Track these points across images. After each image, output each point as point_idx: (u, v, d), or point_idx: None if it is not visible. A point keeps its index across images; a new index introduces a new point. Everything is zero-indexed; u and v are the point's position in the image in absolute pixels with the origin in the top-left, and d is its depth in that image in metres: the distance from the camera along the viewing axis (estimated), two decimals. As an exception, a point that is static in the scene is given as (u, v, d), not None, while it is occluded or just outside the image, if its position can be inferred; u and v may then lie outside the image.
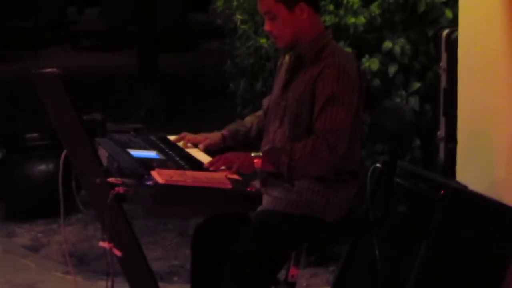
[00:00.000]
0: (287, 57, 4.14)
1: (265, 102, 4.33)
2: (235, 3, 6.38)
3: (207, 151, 4.14)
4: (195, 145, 4.19)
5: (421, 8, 5.30)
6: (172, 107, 11.17)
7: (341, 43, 4.94)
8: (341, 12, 5.47)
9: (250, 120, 4.39)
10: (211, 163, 3.77)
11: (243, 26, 6.22)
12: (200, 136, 4.26)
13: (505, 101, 4.22)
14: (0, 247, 6.48)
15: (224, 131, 4.29)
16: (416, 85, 5.39)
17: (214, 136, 4.25)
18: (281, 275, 4.03)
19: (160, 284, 3.87)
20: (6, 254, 6.32)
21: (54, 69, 3.61)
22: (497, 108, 4.29)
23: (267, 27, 4.01)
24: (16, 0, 22.45)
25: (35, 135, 7.04)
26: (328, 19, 4.96)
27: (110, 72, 14.63)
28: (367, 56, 5.37)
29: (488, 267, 4.20)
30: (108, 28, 20.29)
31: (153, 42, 13.16)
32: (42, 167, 6.84)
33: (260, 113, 4.37)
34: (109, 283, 3.75)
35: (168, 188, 3.52)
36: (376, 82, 5.32)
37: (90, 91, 9.60)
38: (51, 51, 18.82)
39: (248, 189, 3.75)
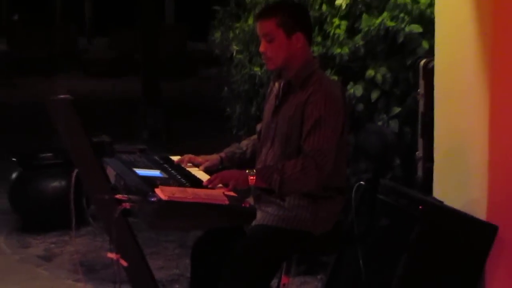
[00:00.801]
0: (276, 84, 4.22)
1: (259, 126, 4.40)
2: (231, 35, 6.45)
3: (206, 171, 4.20)
4: (196, 165, 4.25)
5: (401, 39, 5.33)
6: (173, 129, 11.16)
7: (328, 71, 4.99)
8: (328, 43, 5.54)
9: (245, 143, 4.46)
10: (209, 181, 3.83)
11: (238, 56, 6.28)
12: (200, 158, 4.33)
13: (477, 124, 4.21)
14: (16, 256, 6.55)
15: (222, 154, 4.37)
16: (396, 109, 5.39)
17: (213, 158, 4.33)
18: (274, 283, 4.08)
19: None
20: (21, 263, 6.38)
21: (67, 96, 3.65)
22: (470, 131, 4.30)
23: (262, 48, 4.08)
24: (33, 31, 22.54)
25: (49, 154, 7.09)
26: (316, 49, 4.99)
27: (117, 97, 14.61)
28: (351, 83, 5.40)
29: (463, 276, 4.20)
30: (115, 56, 20.26)
31: (156, 69, 13.16)
32: (55, 184, 6.90)
33: (254, 137, 4.44)
34: (114, 291, 3.84)
35: (170, 204, 3.56)
36: (360, 106, 5.36)
37: (99, 113, 9.65)
38: (64, 77, 18.76)
39: (243, 205, 3.79)
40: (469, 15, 4.29)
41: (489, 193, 4.23)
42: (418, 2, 5.40)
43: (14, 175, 7.27)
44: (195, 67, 19.70)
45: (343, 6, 5.63)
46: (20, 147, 7.48)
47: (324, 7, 5.70)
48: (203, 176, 4.05)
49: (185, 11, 24.92)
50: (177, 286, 5.56)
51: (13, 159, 7.35)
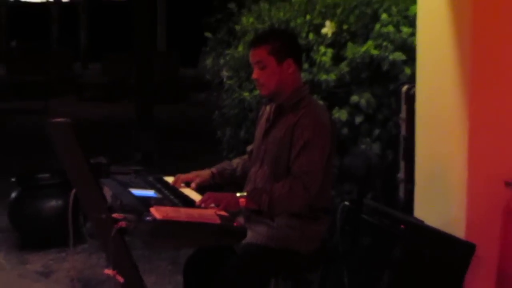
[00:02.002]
0: (268, 108, 4.25)
1: (250, 147, 4.42)
2: (222, 61, 6.48)
3: (198, 187, 4.20)
4: (188, 184, 4.24)
5: (385, 66, 5.37)
6: (165, 151, 11.17)
7: (315, 96, 5.03)
8: (315, 69, 5.57)
9: (236, 161, 4.48)
10: (202, 201, 3.82)
11: (229, 81, 6.29)
12: (191, 174, 4.33)
13: (456, 148, 4.24)
14: (15, 272, 6.52)
15: (213, 169, 4.38)
16: (378, 132, 5.44)
17: (205, 174, 4.33)
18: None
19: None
20: (20, 278, 6.35)
21: (67, 119, 3.67)
22: (449, 154, 4.33)
23: (255, 75, 4.10)
24: (30, 57, 22.57)
25: (47, 175, 7.09)
26: (303, 76, 5.00)
27: (111, 120, 14.62)
28: (337, 108, 5.42)
29: (442, 289, 4.25)
30: (109, 81, 20.29)
31: (149, 94, 13.20)
32: (53, 203, 6.88)
33: (246, 156, 4.45)
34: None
35: (165, 223, 3.54)
36: (345, 130, 5.37)
37: (93, 136, 9.67)
38: (60, 101, 18.80)
39: (235, 224, 3.76)
40: (449, 44, 4.32)
41: (467, 213, 4.25)
42: (401, 31, 5.42)
43: (13, 195, 7.25)
44: (185, 92, 19.73)
45: (329, 35, 5.67)
46: (19, 168, 7.47)
47: (311, 35, 5.73)
48: (196, 197, 4.04)
49: (177, 38, 24.96)
50: None
51: (12, 179, 7.34)
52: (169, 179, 4.34)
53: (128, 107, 15.52)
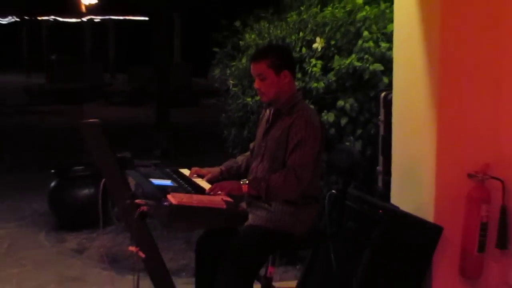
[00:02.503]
0: (267, 111, 4.22)
1: (251, 145, 4.39)
2: (228, 72, 6.46)
3: (209, 181, 4.16)
4: (200, 176, 4.22)
5: (366, 76, 5.34)
6: (180, 147, 11.18)
7: (307, 101, 5.00)
8: (307, 79, 5.53)
9: (240, 158, 4.45)
10: (211, 189, 3.83)
11: (234, 89, 6.25)
12: (204, 170, 4.31)
13: (426, 146, 4.25)
14: (54, 249, 6.54)
15: (222, 167, 4.36)
16: (360, 132, 5.42)
17: (215, 170, 4.31)
18: (262, 271, 4.04)
19: (172, 277, 3.93)
20: (58, 255, 6.37)
21: (96, 120, 3.69)
22: (421, 151, 4.33)
23: (257, 85, 4.09)
24: (66, 68, 22.64)
25: (80, 167, 7.12)
26: (297, 84, 4.99)
27: (134, 121, 14.62)
28: (325, 111, 5.39)
29: (414, 268, 4.20)
30: (133, 89, 20.32)
31: (166, 100, 13.18)
32: (85, 191, 6.91)
33: (248, 153, 4.43)
34: (135, 277, 3.77)
35: (179, 208, 3.54)
36: (332, 130, 5.34)
37: (119, 135, 9.66)
38: (91, 106, 18.83)
39: (239, 209, 3.78)
40: (420, 57, 4.32)
41: (435, 200, 4.24)
42: (380, 46, 5.40)
43: (52, 184, 7.26)
44: (197, 98, 19.74)
45: (319, 49, 5.65)
46: (57, 162, 7.48)
47: (303, 49, 5.71)
48: (205, 185, 4.03)
49: (190, 52, 24.93)
50: (183, 273, 5.54)
51: (52, 171, 7.37)
52: (183, 171, 4.31)
53: (148, 111, 15.63)
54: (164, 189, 3.76)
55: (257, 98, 5.36)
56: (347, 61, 5.45)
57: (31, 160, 10.73)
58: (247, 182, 3.93)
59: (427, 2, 4.29)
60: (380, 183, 5.09)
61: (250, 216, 3.94)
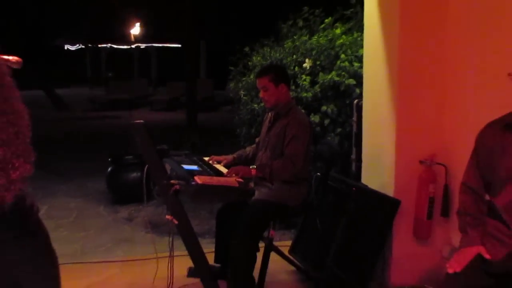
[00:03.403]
0: (269, 114, 4.26)
1: (257, 139, 4.41)
2: (240, 85, 6.48)
3: (225, 166, 4.22)
4: (218, 162, 4.27)
5: (342, 88, 5.35)
6: (204, 142, 11.20)
7: (299, 107, 4.98)
8: (299, 90, 5.54)
9: (248, 149, 4.47)
10: (227, 173, 3.85)
11: (244, 98, 6.26)
12: (221, 157, 4.35)
13: (388, 139, 4.24)
14: (110, 218, 6.58)
15: (234, 155, 4.41)
16: (339, 130, 5.44)
17: (229, 157, 4.35)
18: (265, 234, 4.06)
19: (198, 238, 3.94)
20: (114, 222, 6.42)
21: (142, 121, 3.68)
22: (384, 143, 4.31)
23: (261, 95, 4.14)
24: (120, 83, 22.70)
25: (130, 156, 7.13)
26: (291, 94, 5.00)
27: (170, 123, 14.64)
28: (312, 114, 5.41)
29: (379, 229, 4.19)
30: (170, 98, 20.33)
31: (195, 107, 13.21)
32: (134, 174, 6.92)
33: (254, 145, 4.45)
34: (171, 238, 3.80)
35: (204, 186, 3.56)
36: (318, 128, 5.35)
37: (159, 133, 9.64)
38: (138, 111, 18.90)
39: (248, 187, 3.79)
40: (383, 74, 4.30)
41: (395, 180, 4.24)
42: (353, 65, 5.41)
43: (109, 169, 7.29)
44: (217, 105, 19.72)
45: (308, 68, 5.66)
46: (112, 152, 7.50)
47: (296, 68, 5.72)
48: (223, 169, 4.06)
49: (212, 70, 24.88)
50: (207, 235, 5.54)
51: (109, 159, 7.40)
52: (207, 159, 4.33)
53: (181, 115, 15.63)
54: (192, 172, 3.78)
55: (262, 104, 5.36)
56: (329, 77, 5.45)
57: (94, 152, 10.76)
58: (255, 167, 3.94)
59: (388, 34, 4.28)
60: (353, 168, 5.08)
61: (256, 193, 3.94)
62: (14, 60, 2.48)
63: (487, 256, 2.73)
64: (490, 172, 2.85)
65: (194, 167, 3.96)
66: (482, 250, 2.75)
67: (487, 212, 2.86)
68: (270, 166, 3.93)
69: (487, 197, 2.90)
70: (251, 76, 6.23)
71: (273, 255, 4.20)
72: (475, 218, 2.85)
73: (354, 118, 5.07)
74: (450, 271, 2.73)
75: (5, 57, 2.34)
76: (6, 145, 1.88)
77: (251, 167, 3.94)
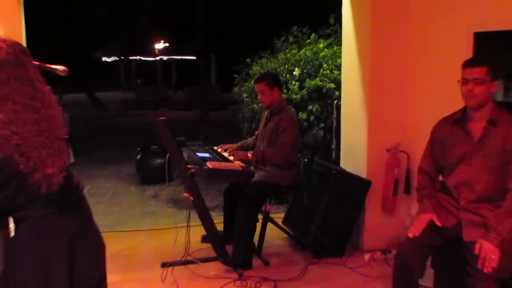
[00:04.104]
0: (266, 112, 4.24)
1: (256, 132, 4.39)
2: (243, 89, 6.48)
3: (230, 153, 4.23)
4: (225, 150, 4.25)
5: (324, 91, 5.34)
6: (214, 134, 11.19)
7: (289, 106, 4.98)
8: (289, 92, 5.51)
9: (250, 140, 4.46)
10: (230, 154, 4.01)
11: (246, 99, 6.26)
12: (228, 146, 4.35)
13: (361, 132, 4.23)
14: (139, 196, 6.56)
15: (238, 144, 4.41)
16: (322, 125, 5.41)
17: (234, 146, 4.36)
18: (263, 208, 4.08)
19: (210, 212, 3.96)
20: (142, 199, 6.39)
21: (164, 118, 3.68)
22: (358, 135, 4.30)
23: (259, 97, 4.14)
24: (147, 88, 22.68)
25: (155, 146, 7.09)
26: (283, 96, 5.00)
27: (187, 119, 14.62)
28: (300, 112, 5.37)
29: (354, 204, 4.20)
30: (187, 100, 20.29)
31: (206, 106, 13.19)
32: (158, 160, 6.88)
33: (254, 137, 4.43)
34: (188, 211, 3.79)
35: (214, 170, 3.57)
36: (305, 124, 5.33)
37: (178, 127, 9.76)
38: (162, 111, 18.91)
39: (249, 171, 3.79)
40: (357, 80, 4.30)
41: (367, 165, 4.25)
42: (334, 73, 5.39)
43: (138, 156, 7.28)
44: (225, 105, 19.67)
45: (297, 75, 5.63)
46: (141, 143, 7.49)
47: (287, 75, 5.70)
48: (229, 157, 4.04)
49: (220, 77, 24.78)
50: (216, 209, 5.53)
51: (138, 149, 7.39)
52: (216, 148, 4.31)
53: (195, 113, 15.54)
54: (204, 159, 3.79)
55: (260, 104, 5.35)
56: (313, 82, 5.43)
57: (126, 142, 10.76)
58: (251, 152, 4.02)
59: (361, 47, 4.26)
60: (333, 155, 5.07)
61: (255, 175, 3.95)
62: (61, 69, 2.47)
63: (439, 224, 2.75)
64: (442, 158, 2.86)
65: (206, 155, 3.96)
66: (434, 217, 2.78)
67: (439, 189, 2.87)
68: (263, 152, 3.98)
69: (440, 178, 2.91)
70: (252, 82, 6.22)
71: (269, 225, 4.23)
72: (429, 192, 2.87)
73: (334, 115, 5.06)
74: (410, 235, 2.75)
75: (54, 66, 2.33)
76: (41, 148, 1.84)
77: (248, 152, 4.04)
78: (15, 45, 1.88)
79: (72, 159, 2.03)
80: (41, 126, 1.84)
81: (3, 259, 1.95)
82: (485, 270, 2.50)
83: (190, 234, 3.86)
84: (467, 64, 2.70)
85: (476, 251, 2.55)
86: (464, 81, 2.67)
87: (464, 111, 2.79)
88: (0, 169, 1.76)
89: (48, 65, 2.24)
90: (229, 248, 3.94)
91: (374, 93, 4.18)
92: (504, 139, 2.62)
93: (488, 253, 2.51)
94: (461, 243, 2.67)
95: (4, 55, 1.80)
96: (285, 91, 5.51)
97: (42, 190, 1.86)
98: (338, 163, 4.68)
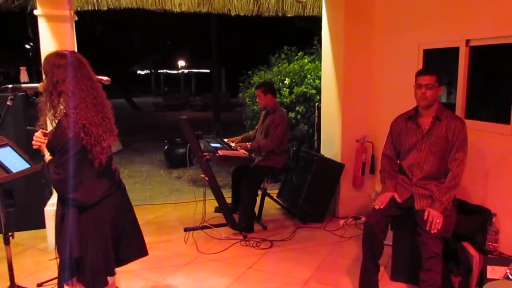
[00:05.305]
0: (263, 112, 4.20)
1: (256, 127, 4.33)
2: (245, 94, 6.42)
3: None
4: (232, 142, 4.20)
5: (308, 95, 5.27)
6: (224, 130, 11.16)
7: (281, 107, 4.95)
8: (282, 97, 5.45)
9: (251, 133, 4.36)
10: (236, 146, 3.94)
11: (248, 102, 6.21)
12: (234, 138, 4.29)
13: (336, 127, 4.20)
14: (167, 177, 6.47)
15: (242, 136, 4.33)
16: (307, 121, 5.35)
17: (239, 138, 4.30)
18: (262, 185, 4.08)
19: (221, 189, 3.95)
20: (169, 179, 6.31)
21: (186, 117, 3.68)
22: (334, 129, 4.27)
23: (257, 99, 4.10)
24: (172, 94, 22.55)
25: (179, 139, 7.01)
26: (277, 99, 4.98)
27: (203, 118, 14.58)
28: (290, 112, 5.32)
29: (331, 185, 4.18)
30: (203, 103, 20.19)
31: (218, 109, 13.13)
32: (181, 150, 6.80)
33: (254, 131, 4.36)
34: (204, 189, 3.80)
35: (224, 156, 3.58)
36: (293, 121, 5.26)
37: (196, 124, 9.74)
38: (184, 112, 18.77)
39: (251, 157, 3.81)
40: (334, 87, 4.28)
41: (341, 152, 4.23)
42: (316, 81, 5.35)
43: (165, 147, 7.23)
44: (232, 107, 19.58)
45: (287, 83, 5.58)
46: (168, 137, 7.45)
47: (280, 84, 5.65)
48: (236, 147, 4.02)
49: (229, 86, 24.66)
50: (226, 187, 5.44)
51: (165, 141, 7.35)
52: (225, 140, 4.28)
53: (209, 114, 15.40)
54: (217, 148, 3.78)
55: (258, 107, 5.34)
56: (300, 89, 5.38)
57: (157, 136, 10.72)
58: (250, 143, 3.99)
59: (336, 62, 4.24)
60: (315, 144, 5.05)
61: (256, 160, 3.94)
62: (106, 79, 2.49)
63: (399, 200, 2.75)
64: (399, 146, 2.86)
65: (218, 145, 3.95)
66: (395, 195, 2.77)
67: (397, 170, 2.87)
68: (258, 143, 3.95)
69: (397, 161, 2.91)
70: (252, 89, 6.18)
71: (266, 199, 4.23)
72: (390, 173, 2.86)
73: (316, 114, 5.05)
74: (376, 207, 2.75)
75: (100, 77, 2.34)
76: (99, 126, 1.89)
77: (248, 143, 4.01)
78: (75, 52, 1.98)
79: (120, 147, 2.04)
80: (98, 109, 1.91)
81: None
82: (432, 231, 2.52)
83: (206, 206, 3.89)
84: (421, 73, 2.69)
85: (425, 217, 2.57)
86: (419, 86, 2.67)
87: (416, 109, 2.79)
88: (75, 143, 1.82)
89: (96, 76, 2.24)
90: (236, 216, 3.95)
91: (347, 97, 4.16)
92: (446, 130, 2.64)
93: (434, 218, 2.53)
94: (413, 211, 2.68)
95: (70, 59, 1.89)
96: (278, 96, 5.44)
97: (102, 161, 1.89)
98: (319, 151, 4.68)
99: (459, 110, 3.19)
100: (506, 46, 2.82)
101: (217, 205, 4.09)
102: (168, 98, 21.95)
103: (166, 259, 3.36)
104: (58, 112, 1.85)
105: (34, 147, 2.01)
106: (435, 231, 2.50)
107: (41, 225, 3.68)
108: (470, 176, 2.96)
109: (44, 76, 1.93)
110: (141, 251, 2.15)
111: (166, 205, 4.86)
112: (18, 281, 2.72)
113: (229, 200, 4.30)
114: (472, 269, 2.62)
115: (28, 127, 3.85)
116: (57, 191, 1.94)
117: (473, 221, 2.79)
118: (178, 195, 5.43)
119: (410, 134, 2.76)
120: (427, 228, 2.52)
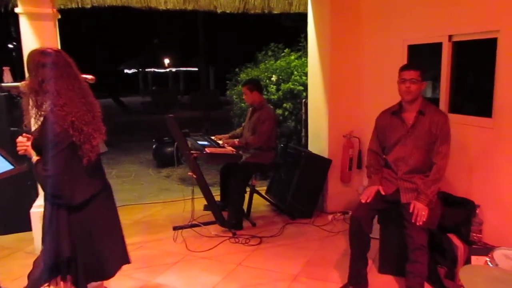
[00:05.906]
0: (250, 109, 4.18)
1: (243, 124, 4.32)
2: (233, 92, 6.41)
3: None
4: (220, 139, 4.18)
5: (295, 92, 5.30)
6: (213, 128, 11.14)
7: (268, 104, 4.96)
8: (269, 94, 5.46)
9: (238, 130, 4.34)
10: (224, 143, 3.92)
11: (236, 100, 6.21)
12: (222, 136, 4.26)
13: (323, 123, 4.22)
14: (155, 176, 6.42)
15: (230, 134, 4.31)
16: (294, 118, 5.38)
17: (226, 136, 4.26)
18: (250, 182, 4.07)
19: (210, 187, 3.94)
20: (158, 178, 6.27)
21: (173, 115, 3.65)
22: (321, 125, 4.29)
23: (244, 96, 4.10)
24: (160, 93, 22.32)
25: (166, 138, 6.94)
26: (264, 96, 5.00)
27: (192, 117, 14.53)
28: (277, 108, 5.33)
29: (319, 177, 4.20)
30: (192, 102, 20.07)
31: (207, 107, 13.12)
32: (169, 149, 6.71)
33: (241, 128, 4.33)
34: (193, 187, 3.79)
35: (212, 154, 3.56)
36: (281, 118, 5.28)
37: (184, 123, 9.67)
38: (172, 111, 18.60)
39: (238, 154, 3.79)
40: (320, 83, 4.29)
41: (329, 147, 4.25)
42: (302, 78, 5.36)
43: (154, 146, 7.18)
44: (221, 105, 19.55)
45: (274, 80, 5.59)
46: (156, 135, 7.40)
47: (267, 81, 5.66)
48: (223, 144, 4.01)
49: (218, 84, 24.57)
50: (215, 185, 5.40)
51: (153, 140, 7.30)
52: (213, 137, 4.27)
53: (198, 112, 15.33)
54: (204, 146, 3.75)
55: (246, 104, 5.35)
56: (287, 86, 5.40)
57: (145, 135, 10.66)
58: (237, 140, 3.98)
59: (323, 59, 4.26)
60: (303, 141, 5.06)
61: (243, 157, 3.93)
62: (90, 78, 2.47)
63: (383, 193, 2.77)
64: (384, 141, 2.88)
65: (206, 143, 3.93)
66: (380, 188, 2.79)
67: (383, 165, 2.90)
68: (246, 139, 3.94)
69: (383, 156, 2.94)
70: (239, 87, 6.19)
71: (255, 196, 4.23)
72: (376, 168, 2.88)
73: (303, 111, 5.06)
74: (363, 201, 2.77)
75: (85, 75, 2.32)
76: (89, 124, 1.90)
77: (236, 140, 4.00)
78: (60, 51, 1.97)
79: (105, 149, 2.01)
80: (87, 108, 1.92)
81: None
82: (417, 223, 2.55)
83: (195, 204, 3.86)
84: (405, 68, 2.72)
85: (411, 209, 2.60)
86: (403, 80, 2.69)
87: (400, 104, 2.81)
88: (63, 138, 1.83)
89: (81, 75, 2.23)
90: (225, 214, 3.95)
91: (333, 93, 4.18)
92: (430, 125, 2.67)
93: (420, 211, 2.56)
94: (399, 204, 2.71)
95: (56, 58, 1.88)
96: (265, 93, 5.46)
97: (91, 159, 1.89)
98: (307, 147, 4.69)
99: (443, 104, 3.23)
100: (487, 41, 2.87)
101: (205, 203, 4.07)
102: (156, 97, 21.79)
103: (155, 258, 3.35)
104: (43, 110, 1.84)
105: (20, 153, 1.99)
106: (421, 223, 2.54)
107: (27, 227, 3.61)
108: (454, 169, 3.00)
109: (27, 74, 1.91)
110: (124, 258, 2.14)
111: (155, 204, 4.83)
112: (5, 284, 2.69)
113: (217, 198, 4.29)
114: (457, 259, 2.67)
115: (12, 128, 3.78)
116: (45, 190, 1.90)
117: (458, 213, 2.84)
118: (167, 194, 5.40)
119: (395, 129, 2.79)
120: (413, 221, 2.56)
